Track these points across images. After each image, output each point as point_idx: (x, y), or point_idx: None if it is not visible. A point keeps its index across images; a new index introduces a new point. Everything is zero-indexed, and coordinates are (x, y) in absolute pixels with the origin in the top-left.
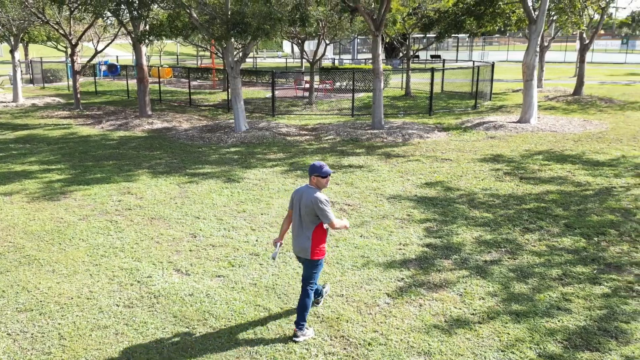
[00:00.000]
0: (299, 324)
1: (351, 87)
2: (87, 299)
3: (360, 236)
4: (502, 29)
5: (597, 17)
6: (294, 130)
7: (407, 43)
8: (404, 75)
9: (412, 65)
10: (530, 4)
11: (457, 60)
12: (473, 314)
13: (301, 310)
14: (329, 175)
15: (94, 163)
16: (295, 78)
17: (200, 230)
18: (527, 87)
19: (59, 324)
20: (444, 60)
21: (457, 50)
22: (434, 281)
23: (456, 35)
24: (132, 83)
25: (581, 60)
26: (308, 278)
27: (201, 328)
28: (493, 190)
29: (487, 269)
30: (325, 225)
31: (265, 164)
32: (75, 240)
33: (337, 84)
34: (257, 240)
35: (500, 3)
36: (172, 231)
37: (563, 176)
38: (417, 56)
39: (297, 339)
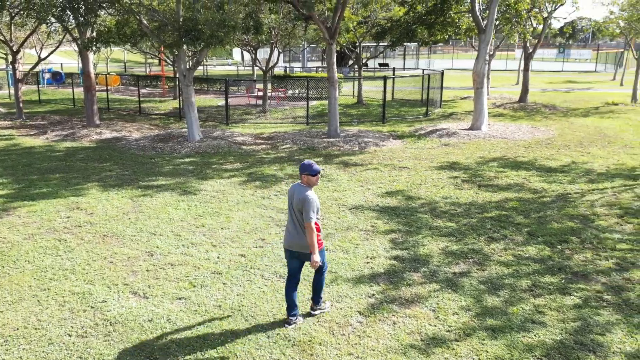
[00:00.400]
0: (317, 300)
1: (303, 95)
2: (35, 329)
3: (326, 250)
4: (453, 38)
5: (539, 27)
6: (249, 139)
7: (358, 51)
8: (356, 83)
9: (362, 74)
10: (478, 14)
11: (404, 69)
12: (449, 330)
13: (318, 290)
14: (319, 173)
15: (39, 176)
16: (247, 86)
17: (157, 247)
18: (477, 94)
19: (3, 359)
20: (394, 68)
21: (404, 59)
22: (405, 296)
23: (405, 44)
24: (78, 91)
25: (525, 68)
26: (318, 268)
27: (164, 358)
28: (453, 198)
29: (457, 282)
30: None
31: (222, 175)
32: (20, 262)
33: (290, 91)
34: (218, 258)
35: (451, 12)
36: (127, 249)
37: (519, 183)
38: (366, 64)
39: (314, 313)
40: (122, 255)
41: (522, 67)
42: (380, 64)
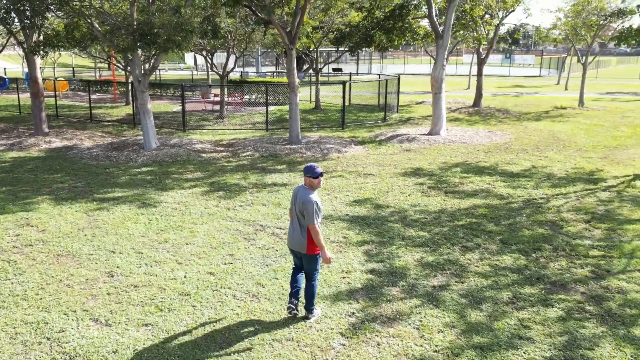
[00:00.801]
0: (309, 308)
1: (261, 100)
2: None
3: None
4: (411, 44)
5: (491, 33)
6: (209, 146)
7: (315, 56)
8: (313, 88)
9: (308, 79)
10: (435, 19)
11: (357, 73)
12: (436, 351)
13: (309, 298)
14: (321, 175)
15: None
16: (203, 91)
17: (118, 267)
18: (436, 100)
19: None
20: (350, 73)
21: (358, 64)
22: (386, 314)
23: (362, 49)
24: (24, 97)
25: (479, 73)
26: (310, 271)
27: None
28: (422, 206)
29: (437, 296)
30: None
31: (183, 185)
32: None
33: (247, 96)
34: (185, 277)
35: (409, 18)
36: (85, 270)
37: (485, 189)
38: (321, 70)
39: (308, 320)
40: (80, 277)
41: (472, 72)
42: (334, 69)
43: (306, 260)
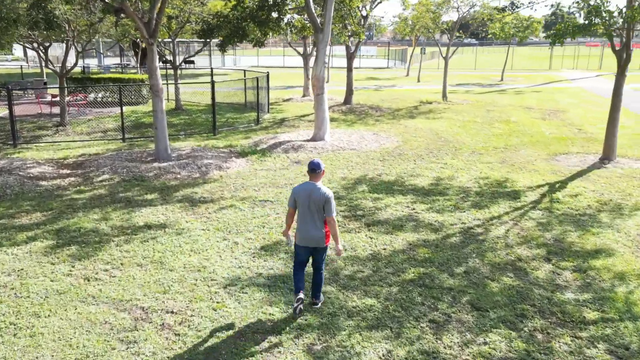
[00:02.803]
0: (318, 296)
1: (110, 100)
2: None
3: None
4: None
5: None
6: (49, 169)
7: (172, 49)
8: (170, 85)
9: (163, 72)
10: (313, 10)
11: (211, 67)
12: None
13: (319, 287)
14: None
15: None
16: (37, 92)
17: None
18: (318, 102)
19: None
20: (212, 68)
21: (211, 55)
22: None
23: (239, 42)
24: None
25: (349, 68)
26: (321, 262)
27: None
28: (349, 249)
29: None
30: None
31: (16, 238)
32: None
33: (92, 95)
34: None
35: (286, 9)
36: None
37: (408, 215)
38: (192, 62)
39: (316, 305)
40: None
41: (330, 66)
42: (186, 61)
43: (321, 252)
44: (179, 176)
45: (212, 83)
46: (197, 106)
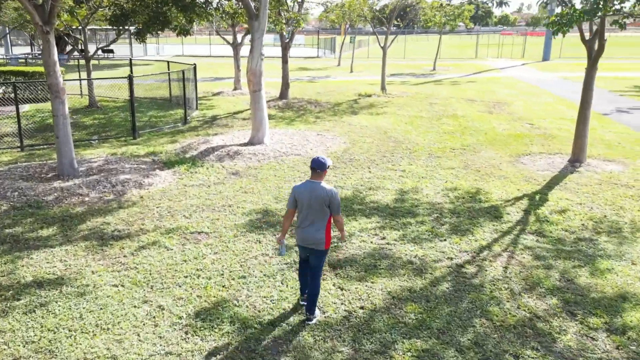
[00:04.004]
0: (311, 310)
1: (7, 97)
2: None
3: None
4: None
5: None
6: None
7: (84, 38)
8: (79, 76)
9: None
10: None
11: (132, 56)
12: None
13: (313, 298)
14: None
15: None
16: None
17: None
18: (255, 99)
19: None
20: (130, 59)
21: (131, 45)
22: None
23: (156, 32)
24: None
25: (284, 60)
26: (317, 267)
27: None
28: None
29: None
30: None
31: None
32: None
33: None
34: None
35: None
36: None
37: (379, 249)
38: (111, 51)
39: (310, 322)
40: None
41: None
42: (104, 50)
43: (318, 256)
44: (87, 199)
45: (130, 78)
46: (115, 102)
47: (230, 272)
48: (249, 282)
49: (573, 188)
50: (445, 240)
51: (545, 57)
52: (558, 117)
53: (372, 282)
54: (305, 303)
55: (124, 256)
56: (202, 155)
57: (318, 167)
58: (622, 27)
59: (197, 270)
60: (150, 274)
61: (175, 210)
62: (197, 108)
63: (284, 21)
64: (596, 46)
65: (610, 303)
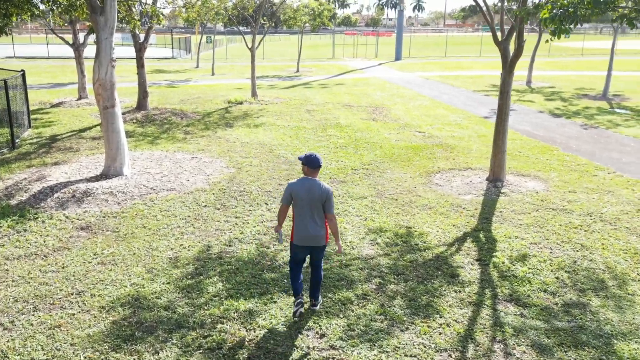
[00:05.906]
0: (317, 296)
1: None
2: None
3: None
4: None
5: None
6: None
7: None
8: None
9: None
10: None
11: None
12: None
13: (317, 286)
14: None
15: None
16: None
17: None
18: (108, 118)
19: None
20: None
21: None
22: None
23: None
24: None
25: (139, 64)
26: (320, 261)
27: None
28: None
29: None
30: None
31: None
32: None
33: None
34: None
35: None
36: None
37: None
38: None
39: (315, 307)
40: None
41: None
42: None
43: (320, 250)
44: None
45: None
46: None
47: None
48: None
49: (512, 219)
50: (407, 329)
51: (398, 57)
52: (443, 122)
53: None
54: (298, 308)
55: None
56: (36, 201)
57: (316, 165)
58: (632, 25)
59: None
60: None
61: None
62: (29, 126)
63: (137, 17)
64: (512, 48)
65: None
